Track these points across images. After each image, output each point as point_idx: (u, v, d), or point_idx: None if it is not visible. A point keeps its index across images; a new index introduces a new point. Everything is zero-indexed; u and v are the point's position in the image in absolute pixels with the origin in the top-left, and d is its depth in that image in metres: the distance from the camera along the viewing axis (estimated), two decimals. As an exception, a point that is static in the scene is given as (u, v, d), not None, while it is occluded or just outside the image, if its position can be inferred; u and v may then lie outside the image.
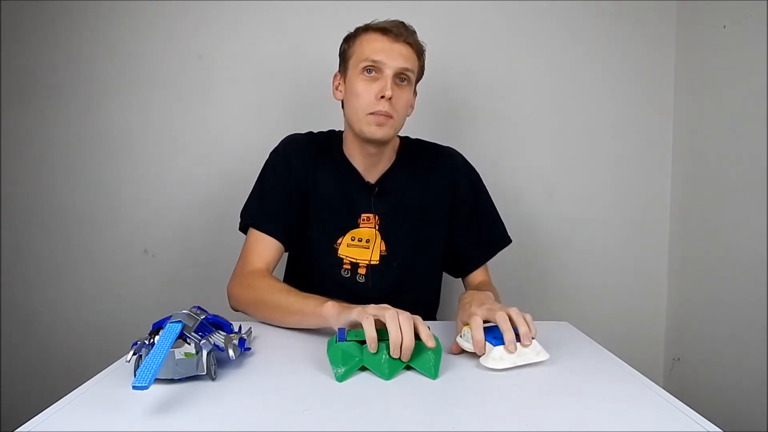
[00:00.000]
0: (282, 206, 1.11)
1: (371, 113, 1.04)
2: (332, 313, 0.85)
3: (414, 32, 1.09)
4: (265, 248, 1.08)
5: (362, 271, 1.11)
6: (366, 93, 1.05)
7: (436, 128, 1.51)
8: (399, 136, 1.22)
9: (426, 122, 1.48)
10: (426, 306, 1.22)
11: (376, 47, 1.05)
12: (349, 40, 1.11)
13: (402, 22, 1.08)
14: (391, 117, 1.05)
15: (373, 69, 1.05)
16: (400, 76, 1.06)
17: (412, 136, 1.24)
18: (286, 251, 1.15)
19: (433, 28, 1.51)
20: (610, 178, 1.58)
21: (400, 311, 0.79)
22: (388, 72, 1.04)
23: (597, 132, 1.57)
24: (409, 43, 1.06)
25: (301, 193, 1.13)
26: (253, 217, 1.12)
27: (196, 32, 1.51)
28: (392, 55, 1.04)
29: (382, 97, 1.03)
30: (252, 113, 1.53)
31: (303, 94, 1.50)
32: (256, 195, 1.15)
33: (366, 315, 0.77)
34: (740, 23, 1.31)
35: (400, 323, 0.76)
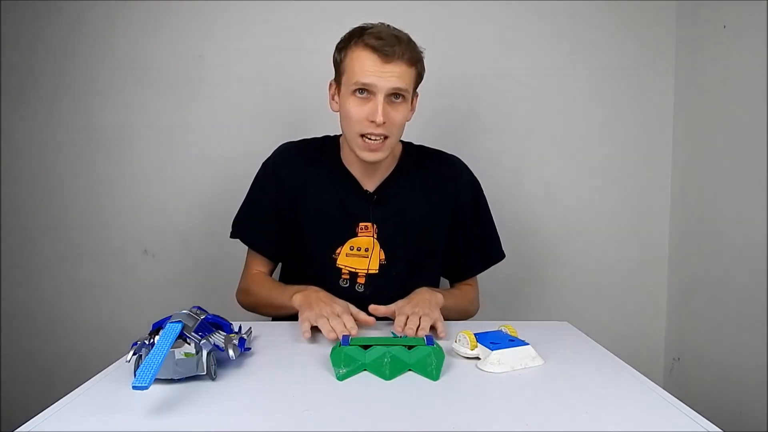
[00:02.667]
0: (270, 222, 1.15)
1: (363, 135, 1.02)
2: (297, 301, 1.00)
3: (407, 42, 1.03)
4: (260, 262, 1.18)
5: (361, 280, 1.10)
6: (357, 114, 1.02)
7: (435, 130, 1.51)
8: (402, 142, 1.21)
9: (425, 124, 1.47)
10: None
11: (366, 69, 1.00)
12: (341, 50, 1.06)
13: (394, 35, 1.01)
14: (386, 138, 1.03)
15: (364, 90, 1.01)
16: (393, 95, 1.02)
17: (416, 142, 1.24)
18: (278, 262, 1.21)
19: (432, 30, 1.51)
20: (610, 178, 1.58)
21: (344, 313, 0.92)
22: (380, 96, 1.00)
23: (597, 132, 1.57)
24: (402, 60, 1.00)
25: (293, 203, 1.13)
26: (243, 231, 1.19)
27: (196, 32, 1.51)
28: (384, 77, 0.99)
29: (374, 121, 1.00)
30: (252, 113, 1.53)
31: (303, 94, 1.50)
32: (246, 207, 1.19)
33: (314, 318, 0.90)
34: (740, 23, 1.31)
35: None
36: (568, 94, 1.56)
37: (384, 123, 1.00)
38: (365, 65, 1.00)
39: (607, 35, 1.55)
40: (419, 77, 1.09)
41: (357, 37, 1.03)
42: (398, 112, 1.03)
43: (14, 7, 1.48)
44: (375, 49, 0.99)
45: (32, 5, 1.48)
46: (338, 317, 0.90)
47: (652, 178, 1.58)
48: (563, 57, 1.55)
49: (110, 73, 1.51)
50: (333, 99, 1.10)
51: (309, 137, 1.21)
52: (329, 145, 1.18)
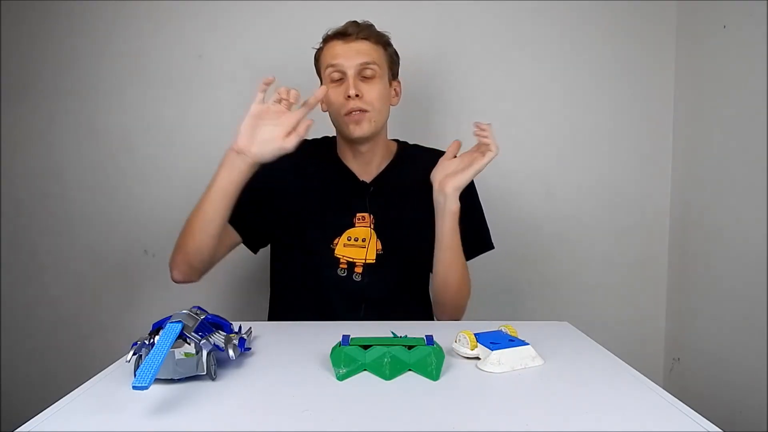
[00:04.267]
0: (252, 204, 1.11)
1: (346, 114, 1.08)
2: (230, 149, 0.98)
3: (369, 26, 1.12)
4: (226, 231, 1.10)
5: (359, 270, 1.12)
6: (336, 97, 1.09)
7: (434, 129, 1.51)
8: (398, 141, 1.23)
9: (423, 123, 1.48)
10: (424, 305, 1.22)
11: (333, 53, 1.09)
12: (316, 55, 1.16)
13: (355, 21, 1.11)
14: (366, 111, 1.08)
15: (337, 74, 1.09)
16: (364, 72, 1.08)
17: (413, 141, 1.25)
18: (247, 245, 1.18)
19: (431, 30, 1.52)
20: (610, 178, 1.58)
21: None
22: (350, 72, 1.08)
23: (597, 132, 1.57)
24: (364, 38, 1.09)
25: (286, 195, 1.14)
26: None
27: (196, 32, 1.51)
28: (349, 55, 1.08)
29: (349, 96, 1.06)
30: (252, 113, 1.53)
31: (304, 95, 1.50)
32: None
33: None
34: (740, 23, 1.31)
35: None
36: (568, 93, 1.56)
37: (358, 96, 1.06)
38: (332, 50, 1.10)
39: (608, 35, 1.55)
40: (392, 60, 1.15)
41: (324, 38, 1.14)
42: (372, 87, 1.09)
43: (14, 7, 1.48)
44: (338, 34, 1.11)
45: (32, 5, 1.48)
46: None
47: (652, 178, 1.58)
48: (563, 57, 1.55)
49: (110, 73, 1.51)
50: (322, 103, 1.14)
51: (309, 138, 1.22)
52: (327, 143, 1.22)
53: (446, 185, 1.03)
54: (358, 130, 1.09)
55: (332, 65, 1.08)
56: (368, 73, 1.09)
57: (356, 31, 1.09)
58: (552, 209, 1.58)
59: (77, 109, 1.51)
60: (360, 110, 1.08)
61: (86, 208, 1.53)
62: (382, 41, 1.13)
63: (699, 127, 1.47)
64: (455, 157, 1.06)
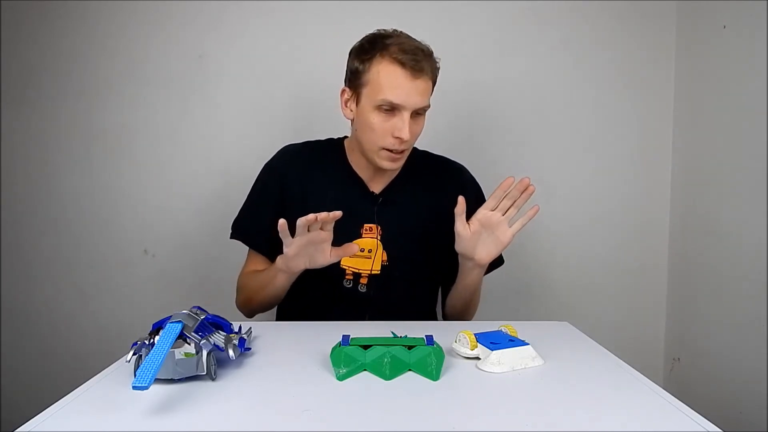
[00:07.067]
0: (270, 222, 1.09)
1: (385, 149, 1.03)
2: (281, 259, 0.99)
3: (430, 55, 1.03)
4: (259, 261, 1.15)
5: (364, 281, 1.11)
6: (381, 129, 1.01)
7: (435, 129, 1.50)
8: None
9: (424, 123, 1.47)
10: (428, 316, 1.21)
11: (394, 85, 0.98)
12: (364, 60, 1.02)
13: (419, 48, 1.01)
14: (405, 150, 1.05)
15: (390, 107, 1.00)
16: (417, 111, 1.03)
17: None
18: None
19: (432, 30, 1.50)
20: (610, 178, 1.58)
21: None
22: (406, 114, 1.00)
23: (597, 132, 1.57)
24: (427, 75, 1.01)
25: (298, 205, 1.11)
26: (244, 232, 1.17)
27: (196, 32, 1.51)
28: (411, 95, 0.99)
29: (398, 137, 1.01)
30: (252, 113, 1.53)
31: (304, 95, 1.50)
32: (247, 208, 1.18)
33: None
34: (740, 23, 1.31)
35: None
36: (568, 94, 1.56)
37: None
38: (393, 81, 0.99)
39: (607, 35, 1.55)
40: (434, 87, 1.09)
41: (381, 48, 1.00)
42: (418, 125, 1.05)
43: (14, 7, 1.48)
44: (404, 65, 0.98)
45: (32, 5, 1.48)
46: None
47: (652, 178, 1.58)
48: (563, 57, 1.55)
49: (110, 73, 1.51)
50: (346, 105, 1.08)
51: (312, 140, 1.21)
52: (334, 148, 1.18)
53: (482, 258, 1.05)
54: (393, 165, 1.06)
55: (393, 103, 0.99)
56: (421, 111, 1.04)
57: (424, 68, 1.00)
58: (552, 209, 1.58)
59: (77, 109, 1.51)
60: (401, 150, 1.04)
61: (86, 207, 1.53)
62: (436, 73, 1.05)
63: (699, 127, 1.47)
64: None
